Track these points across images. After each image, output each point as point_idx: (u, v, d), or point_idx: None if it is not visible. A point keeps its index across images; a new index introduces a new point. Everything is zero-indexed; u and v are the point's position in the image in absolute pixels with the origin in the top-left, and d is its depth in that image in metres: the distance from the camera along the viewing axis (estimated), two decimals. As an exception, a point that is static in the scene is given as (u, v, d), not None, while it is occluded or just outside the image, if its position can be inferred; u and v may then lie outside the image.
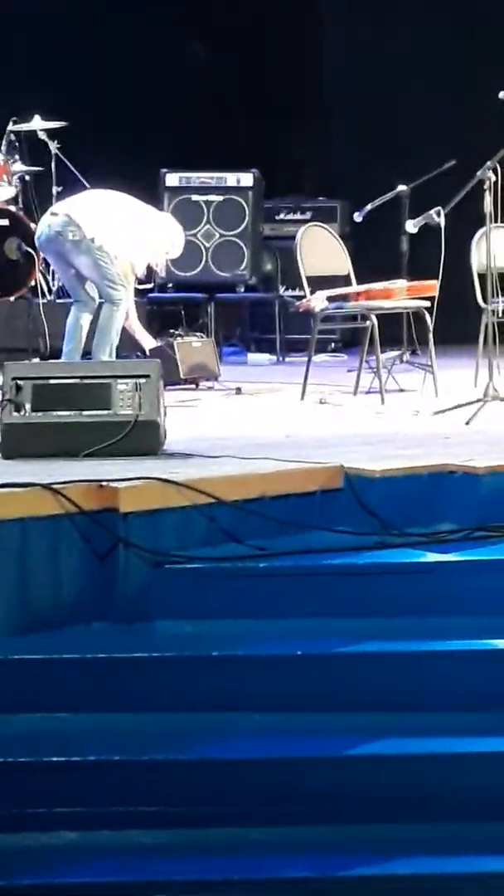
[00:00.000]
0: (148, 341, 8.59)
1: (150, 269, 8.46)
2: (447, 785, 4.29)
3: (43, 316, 9.09)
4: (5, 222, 9.42)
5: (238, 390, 8.37)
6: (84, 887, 4.04)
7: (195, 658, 4.55)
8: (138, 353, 8.62)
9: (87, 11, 10.79)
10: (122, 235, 7.91)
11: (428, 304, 7.88)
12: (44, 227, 8.02)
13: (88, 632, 4.67)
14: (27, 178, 9.74)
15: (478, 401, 6.70)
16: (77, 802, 4.23)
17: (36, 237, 8.22)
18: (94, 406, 5.49)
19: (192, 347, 8.84)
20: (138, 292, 8.78)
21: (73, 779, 4.26)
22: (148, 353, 8.43)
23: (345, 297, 8.02)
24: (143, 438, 5.46)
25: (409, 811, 4.27)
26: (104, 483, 4.77)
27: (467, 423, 6.50)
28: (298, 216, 10.75)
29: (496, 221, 7.08)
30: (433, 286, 7.74)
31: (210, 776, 4.30)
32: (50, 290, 9.46)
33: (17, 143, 9.63)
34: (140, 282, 8.56)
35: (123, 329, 8.08)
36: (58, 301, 9.25)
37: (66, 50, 10.60)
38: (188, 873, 4.09)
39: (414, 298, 8.00)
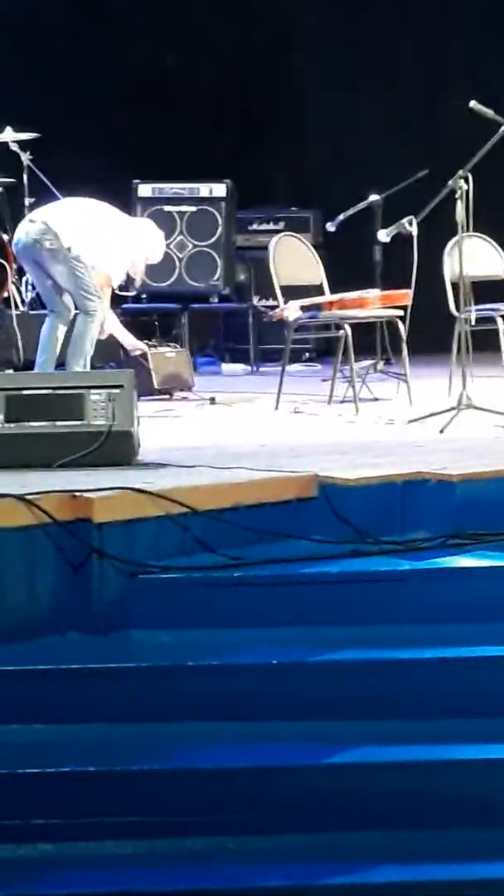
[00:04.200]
0: (131, 342, 8.61)
1: (128, 278, 8.46)
2: (424, 792, 4.30)
3: (16, 327, 9.07)
4: (-24, 234, 9.41)
5: (212, 400, 8.37)
6: (60, 899, 4.03)
7: (170, 668, 4.55)
8: (112, 364, 8.61)
9: (58, 22, 10.80)
10: (98, 246, 7.90)
11: (401, 312, 7.89)
12: (21, 234, 8.00)
13: (63, 642, 4.66)
14: (-1, 189, 9.73)
15: (451, 409, 6.71)
16: (53, 814, 4.22)
17: (13, 244, 8.19)
18: (67, 417, 5.48)
19: (166, 358, 8.85)
20: (117, 299, 8.77)
21: (49, 790, 4.25)
22: (129, 354, 8.48)
23: (318, 307, 8.03)
24: (116, 449, 5.45)
25: (385, 819, 4.27)
26: (78, 494, 4.76)
27: (441, 432, 6.51)
28: (271, 226, 10.75)
29: (468, 230, 7.09)
30: (406, 295, 7.76)
31: (185, 786, 4.29)
32: (23, 302, 9.44)
33: (-12, 155, 9.62)
34: (121, 288, 8.56)
35: (99, 339, 8.07)
36: (31, 312, 9.24)
37: (38, 61, 10.59)
38: (164, 883, 4.09)
39: (387, 307, 8.01)
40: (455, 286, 7.62)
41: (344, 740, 4.40)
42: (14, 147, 9.61)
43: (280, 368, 8.11)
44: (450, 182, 6.94)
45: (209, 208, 10.30)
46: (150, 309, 10.33)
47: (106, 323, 8.18)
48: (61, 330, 8.02)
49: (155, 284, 10.05)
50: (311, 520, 5.11)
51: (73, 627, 4.69)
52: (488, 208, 7.28)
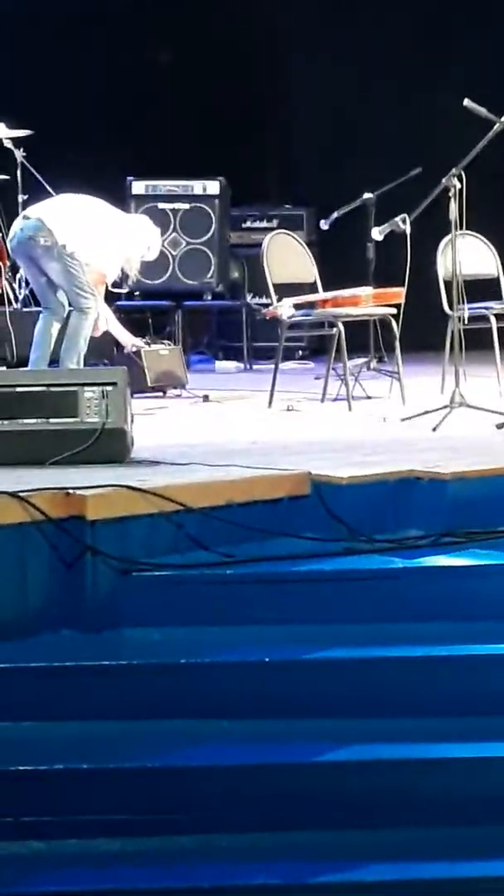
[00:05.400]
0: (127, 338, 8.63)
1: (123, 274, 8.46)
2: (414, 790, 4.30)
3: (10, 324, 9.07)
4: (-30, 231, 9.40)
5: (205, 398, 8.37)
6: (52, 896, 4.04)
7: (163, 665, 4.55)
8: (105, 362, 8.61)
9: (53, 19, 10.79)
10: (93, 243, 7.90)
11: (394, 311, 7.90)
12: (16, 230, 7.99)
13: (56, 640, 4.66)
14: (-8, 186, 9.72)
15: (444, 407, 6.72)
16: (44, 811, 4.22)
17: (8, 240, 8.18)
18: (61, 414, 5.48)
19: (160, 355, 8.85)
20: (112, 296, 8.77)
21: (41, 787, 4.25)
22: (125, 351, 8.50)
23: (312, 305, 8.03)
24: (110, 446, 5.45)
25: (375, 817, 4.28)
26: (71, 491, 4.76)
27: (434, 430, 6.51)
28: (265, 224, 10.76)
29: (461, 228, 7.10)
30: (399, 293, 7.76)
31: (178, 783, 4.29)
32: (16, 298, 9.44)
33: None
34: (115, 285, 8.56)
35: (94, 336, 8.07)
36: (24, 309, 9.24)
37: (32, 58, 10.59)
38: (156, 881, 4.09)
39: (380, 305, 8.01)
40: (448, 284, 7.62)
41: (336, 738, 4.40)
42: (8, 144, 9.60)
43: (273, 366, 8.11)
44: (443, 180, 6.94)
45: (203, 206, 10.31)
46: (144, 306, 10.33)
47: (101, 320, 8.18)
48: (55, 327, 8.02)
49: (148, 282, 10.05)
50: (304, 518, 5.11)
51: (66, 625, 4.69)
52: (482, 206, 7.29)
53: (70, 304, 7.94)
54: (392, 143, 10.53)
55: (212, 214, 10.30)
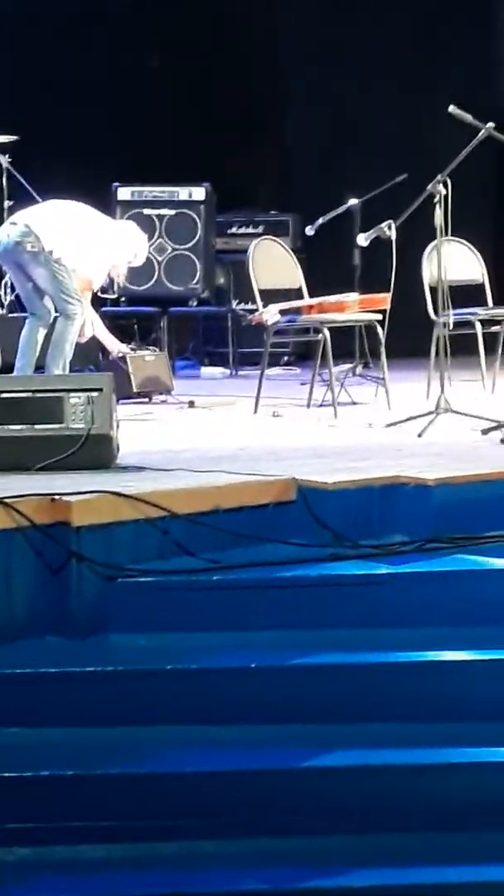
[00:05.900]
0: (114, 344, 8.63)
1: (109, 280, 8.46)
2: (401, 795, 4.31)
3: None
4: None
5: (191, 404, 8.37)
6: (37, 903, 4.03)
7: (149, 671, 4.55)
8: (91, 367, 8.61)
9: (37, 24, 10.78)
10: (80, 249, 7.90)
11: (380, 316, 7.91)
12: (2, 236, 7.98)
13: (42, 646, 4.66)
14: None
15: (430, 413, 6.73)
16: (30, 818, 4.22)
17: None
18: (46, 420, 5.49)
19: (145, 361, 8.85)
20: (98, 301, 8.76)
21: (27, 794, 4.25)
22: (110, 357, 8.50)
23: (297, 311, 8.04)
24: (95, 452, 5.46)
25: (363, 822, 4.28)
26: (57, 497, 4.76)
27: (419, 436, 6.53)
28: (251, 230, 10.76)
29: (447, 234, 7.11)
30: (385, 299, 7.77)
31: (163, 790, 4.29)
32: (2, 305, 9.44)
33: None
34: (102, 290, 8.56)
35: (80, 342, 8.07)
36: (9, 315, 9.23)
37: (17, 63, 10.59)
38: (141, 888, 4.09)
39: (366, 311, 8.02)
40: (433, 290, 7.63)
41: (323, 744, 4.41)
42: (-8, 151, 9.60)
43: (259, 372, 8.11)
44: (428, 187, 6.95)
45: (188, 212, 10.31)
46: (129, 312, 10.33)
47: (87, 325, 8.17)
48: (41, 333, 8.01)
49: (134, 288, 10.05)
50: (290, 523, 5.12)
51: (52, 631, 4.69)
52: (467, 212, 7.30)
53: (56, 310, 7.94)
54: (392, 144, 10.54)
55: (197, 220, 10.30)
